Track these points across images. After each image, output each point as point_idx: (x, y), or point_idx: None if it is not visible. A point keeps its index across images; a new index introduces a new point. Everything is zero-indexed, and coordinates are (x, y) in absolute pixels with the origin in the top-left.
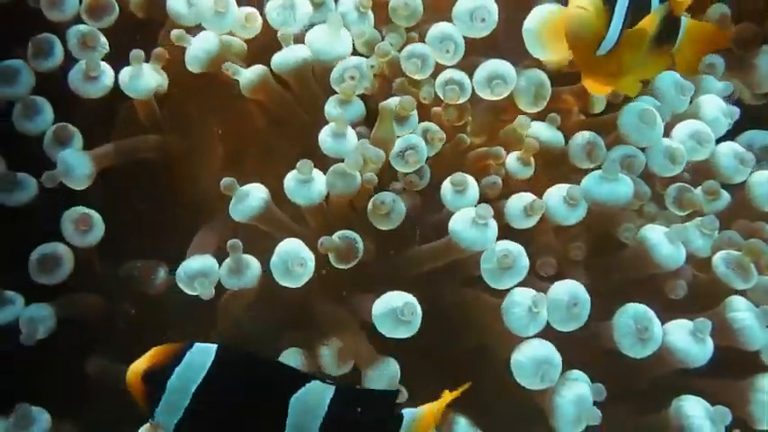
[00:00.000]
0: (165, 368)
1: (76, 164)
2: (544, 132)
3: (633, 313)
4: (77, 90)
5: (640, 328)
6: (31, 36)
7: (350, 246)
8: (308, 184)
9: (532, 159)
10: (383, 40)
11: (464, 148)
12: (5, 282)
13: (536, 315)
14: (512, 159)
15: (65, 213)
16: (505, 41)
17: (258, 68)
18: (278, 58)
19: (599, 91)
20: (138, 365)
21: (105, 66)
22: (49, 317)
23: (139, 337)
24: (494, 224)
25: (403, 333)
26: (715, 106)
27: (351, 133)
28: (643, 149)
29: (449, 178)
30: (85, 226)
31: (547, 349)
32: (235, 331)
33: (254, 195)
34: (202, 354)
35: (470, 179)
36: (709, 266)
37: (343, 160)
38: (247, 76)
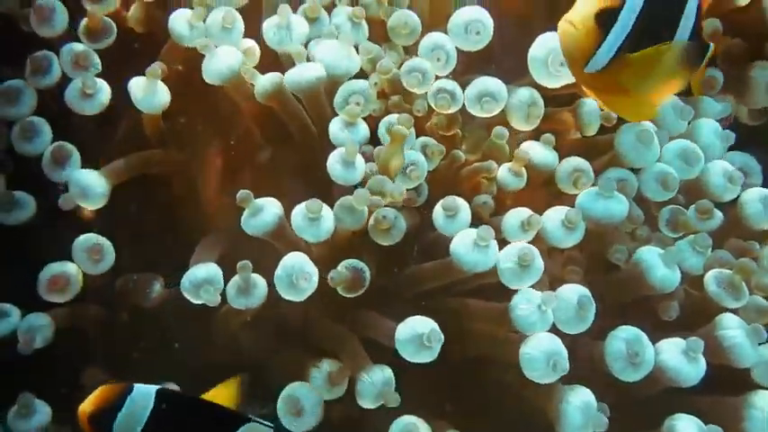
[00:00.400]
0: (110, 410)
1: (92, 184)
2: (538, 152)
3: (625, 337)
4: (74, 107)
5: (631, 353)
6: (23, 54)
7: (358, 276)
8: (316, 222)
9: (524, 170)
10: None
11: (459, 164)
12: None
13: (544, 314)
14: (503, 171)
15: (76, 241)
16: (504, 58)
17: (275, 77)
18: (291, 76)
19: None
20: (85, 407)
21: (101, 83)
22: (47, 326)
23: (136, 349)
24: (495, 245)
25: (424, 358)
26: (711, 131)
27: (360, 161)
28: (636, 172)
29: (440, 203)
30: (98, 255)
31: (555, 341)
32: (232, 345)
33: (269, 210)
34: (144, 396)
35: (462, 203)
36: (701, 284)
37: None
38: (263, 83)
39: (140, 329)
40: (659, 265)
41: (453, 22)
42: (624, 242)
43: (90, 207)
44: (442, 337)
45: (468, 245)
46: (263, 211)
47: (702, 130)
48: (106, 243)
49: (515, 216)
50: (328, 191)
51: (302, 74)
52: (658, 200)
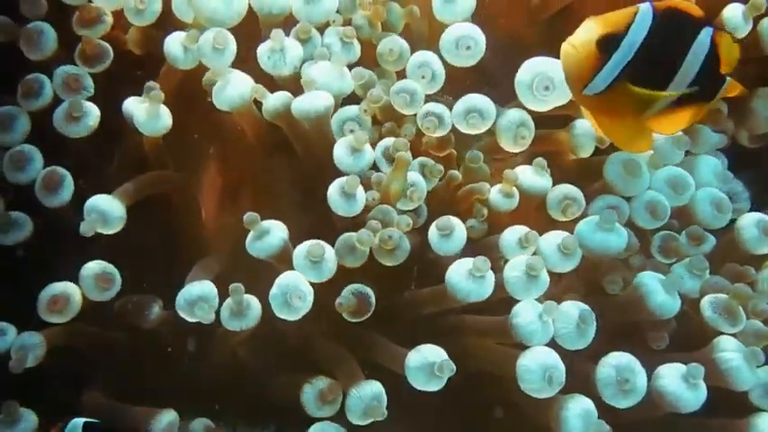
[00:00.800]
0: None
1: (110, 209)
2: (528, 177)
3: (615, 364)
4: (61, 129)
5: (621, 380)
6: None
7: (363, 301)
8: (318, 264)
9: (514, 191)
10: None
11: (456, 184)
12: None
13: (545, 324)
14: (494, 192)
15: (85, 267)
16: (503, 81)
17: (285, 97)
18: (300, 104)
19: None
20: None
21: (90, 106)
22: (39, 345)
23: (135, 371)
24: (491, 276)
25: (433, 387)
26: (709, 169)
27: (360, 192)
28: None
29: (434, 223)
30: (107, 284)
31: (552, 355)
32: (232, 365)
33: (275, 234)
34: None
35: (456, 222)
36: (698, 307)
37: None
38: (272, 103)
39: (139, 351)
40: (659, 291)
41: (444, 39)
42: (619, 270)
43: (109, 232)
44: (454, 367)
45: (462, 274)
46: (270, 235)
47: (702, 168)
48: (115, 271)
49: (513, 233)
50: (330, 213)
51: (312, 103)
52: (649, 228)
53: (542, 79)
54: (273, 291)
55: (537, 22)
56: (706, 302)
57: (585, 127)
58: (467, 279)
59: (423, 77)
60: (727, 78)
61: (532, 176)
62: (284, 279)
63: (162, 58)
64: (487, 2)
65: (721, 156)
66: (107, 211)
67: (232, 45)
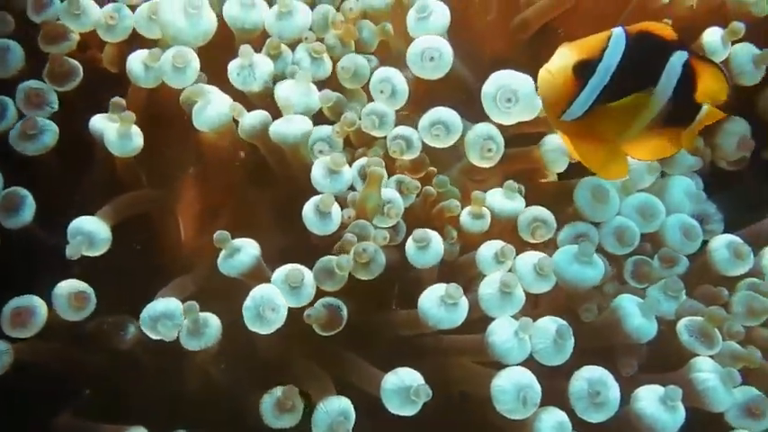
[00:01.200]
0: None
1: (96, 230)
2: (498, 200)
3: (588, 377)
4: (18, 148)
5: (592, 393)
6: None
7: (334, 313)
8: (297, 290)
9: (484, 211)
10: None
11: (433, 200)
12: None
13: (521, 341)
14: (464, 214)
15: (59, 286)
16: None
17: (263, 116)
18: (277, 128)
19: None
20: None
21: (47, 123)
22: (5, 352)
23: (110, 391)
24: (464, 302)
25: (408, 411)
26: (681, 189)
27: (335, 210)
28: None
29: (411, 235)
30: (81, 303)
31: (527, 374)
32: (208, 384)
33: (246, 251)
34: None
35: (433, 234)
36: (674, 328)
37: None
38: (250, 121)
39: (114, 371)
40: (636, 314)
41: (410, 51)
42: (593, 298)
43: (95, 254)
44: (430, 392)
45: (434, 300)
46: (241, 252)
47: (674, 189)
48: (90, 291)
49: (489, 248)
50: (309, 233)
51: (289, 127)
52: (618, 253)
53: (505, 91)
54: (247, 303)
55: (518, 40)
56: (682, 326)
57: (555, 142)
58: (438, 306)
59: (381, 92)
60: (704, 106)
61: (502, 200)
62: (258, 291)
63: None
64: (470, 21)
65: (696, 177)
66: (92, 232)
67: (194, 63)
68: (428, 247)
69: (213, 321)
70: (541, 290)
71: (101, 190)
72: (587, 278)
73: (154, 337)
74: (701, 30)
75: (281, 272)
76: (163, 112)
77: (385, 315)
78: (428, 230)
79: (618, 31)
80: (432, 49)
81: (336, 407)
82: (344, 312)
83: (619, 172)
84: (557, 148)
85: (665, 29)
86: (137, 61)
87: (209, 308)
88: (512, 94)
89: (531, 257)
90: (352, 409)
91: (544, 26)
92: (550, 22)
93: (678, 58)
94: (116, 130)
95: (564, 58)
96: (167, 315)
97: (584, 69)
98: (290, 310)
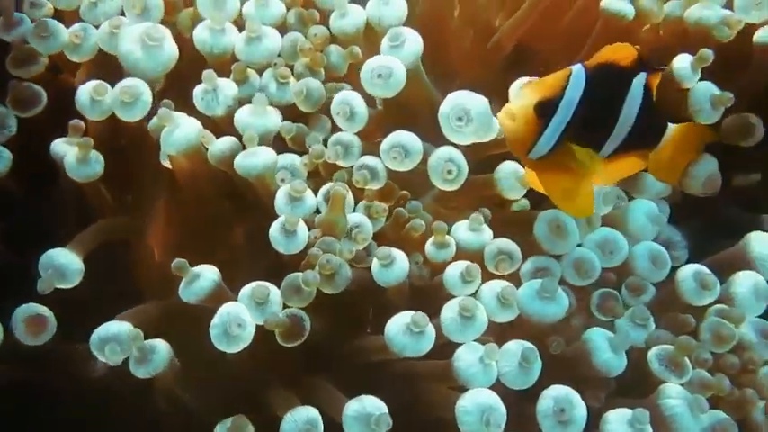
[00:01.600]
0: None
1: (67, 262)
2: (463, 234)
3: (554, 395)
4: None
5: (557, 411)
6: None
7: (297, 323)
8: (263, 306)
9: (448, 241)
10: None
11: (403, 222)
12: None
13: (486, 366)
14: (428, 245)
15: (17, 310)
16: None
17: (230, 141)
18: (241, 161)
19: (536, 186)
20: None
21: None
22: None
23: (82, 419)
24: (431, 331)
25: None
26: (643, 213)
27: (302, 230)
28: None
29: (375, 252)
30: (38, 327)
31: (492, 396)
32: (179, 409)
33: (205, 277)
34: None
35: (397, 252)
36: (642, 355)
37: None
38: (220, 147)
39: (84, 399)
40: (606, 349)
41: (362, 70)
42: (560, 331)
43: (67, 286)
44: (391, 422)
45: (400, 327)
46: (200, 278)
47: (636, 213)
48: (49, 314)
49: (455, 268)
50: (281, 257)
51: (252, 160)
52: (579, 285)
53: (457, 110)
54: (214, 321)
55: (495, 64)
56: (653, 355)
57: (509, 169)
58: (404, 333)
59: (338, 114)
60: (670, 125)
61: (466, 233)
62: (225, 308)
63: None
64: (446, 46)
65: (663, 203)
66: (64, 264)
67: (145, 97)
68: (392, 265)
69: (161, 348)
70: (506, 318)
71: (68, 212)
72: (549, 314)
73: (100, 358)
74: (667, 54)
75: (247, 289)
76: (134, 136)
77: (358, 339)
78: (393, 249)
79: (577, 68)
80: (382, 67)
81: (305, 416)
82: (307, 324)
83: (585, 208)
84: (510, 176)
85: (624, 53)
86: (84, 92)
87: (179, 333)
88: (463, 113)
89: (495, 285)
90: (320, 419)
91: (521, 51)
92: (528, 46)
93: (638, 84)
94: (74, 156)
95: (525, 98)
96: (116, 339)
97: (545, 109)
98: (258, 331)
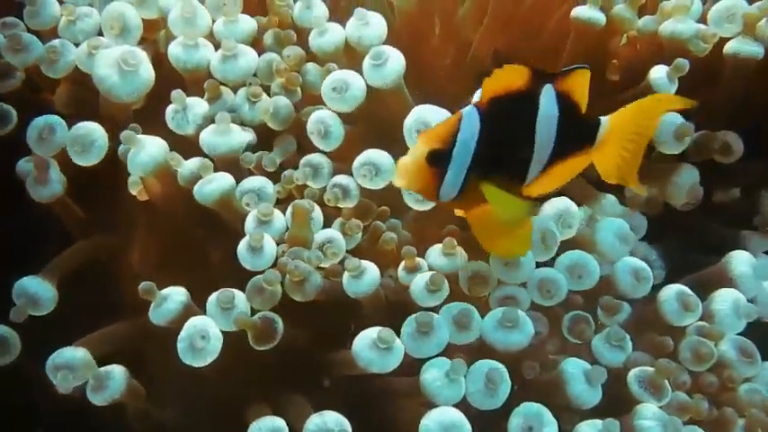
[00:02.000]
0: None
1: (39, 291)
2: (436, 258)
3: (525, 412)
4: None
5: (525, 427)
6: None
7: (269, 325)
8: (229, 312)
9: (419, 262)
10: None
11: (378, 235)
12: None
13: (453, 382)
14: (400, 269)
15: None
16: None
17: (199, 161)
18: (199, 189)
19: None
20: None
21: None
22: None
23: None
24: (399, 347)
25: None
26: (611, 232)
27: (269, 246)
28: None
29: (345, 264)
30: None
31: (457, 414)
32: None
33: (173, 299)
34: None
35: (367, 264)
36: (619, 376)
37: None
38: (189, 167)
39: (63, 420)
40: (580, 380)
41: (324, 84)
42: (535, 356)
43: (41, 313)
44: None
45: (366, 342)
46: (167, 300)
47: (604, 232)
48: (10, 335)
49: (421, 278)
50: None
51: (207, 188)
52: (546, 305)
53: (418, 123)
54: (181, 335)
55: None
56: (632, 377)
57: None
58: (370, 348)
59: (313, 133)
60: (602, 119)
61: (439, 257)
62: (192, 322)
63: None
64: (428, 63)
65: (643, 218)
66: (37, 293)
67: (100, 142)
68: (362, 276)
69: (117, 373)
70: (466, 342)
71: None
72: (513, 343)
73: (54, 381)
74: (643, 68)
75: (213, 297)
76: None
77: (334, 354)
78: (363, 261)
79: (467, 110)
80: (339, 80)
81: (270, 425)
82: (279, 326)
83: (520, 249)
84: None
85: (515, 75)
86: (34, 129)
87: (155, 350)
88: (423, 126)
89: (450, 308)
90: (287, 428)
91: (494, 52)
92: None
93: (548, 99)
94: (32, 177)
95: (417, 150)
96: (70, 366)
97: (437, 159)
98: (234, 345)
